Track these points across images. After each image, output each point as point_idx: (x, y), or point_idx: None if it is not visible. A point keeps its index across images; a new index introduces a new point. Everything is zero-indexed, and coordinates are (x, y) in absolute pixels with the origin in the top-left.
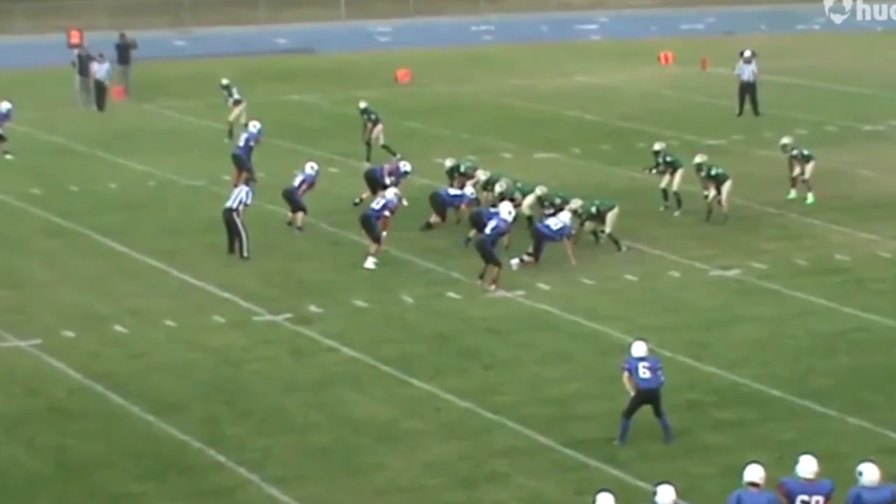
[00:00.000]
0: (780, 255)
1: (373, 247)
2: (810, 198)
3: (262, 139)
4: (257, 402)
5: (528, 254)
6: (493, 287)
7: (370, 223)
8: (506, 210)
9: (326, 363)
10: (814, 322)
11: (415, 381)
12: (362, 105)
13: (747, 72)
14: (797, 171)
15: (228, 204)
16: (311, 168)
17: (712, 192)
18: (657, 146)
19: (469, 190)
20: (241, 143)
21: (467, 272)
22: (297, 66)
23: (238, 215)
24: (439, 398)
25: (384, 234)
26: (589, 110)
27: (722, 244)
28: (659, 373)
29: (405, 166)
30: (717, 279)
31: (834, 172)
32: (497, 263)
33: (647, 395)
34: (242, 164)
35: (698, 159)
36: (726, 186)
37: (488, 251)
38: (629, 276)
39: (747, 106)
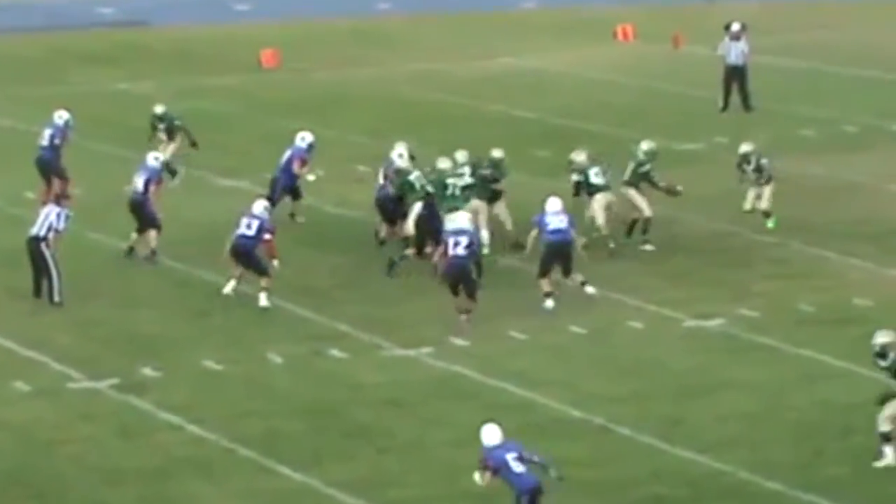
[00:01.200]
0: (779, 298)
1: (263, 280)
2: (770, 223)
3: (71, 136)
4: (73, 498)
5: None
6: (465, 318)
7: (248, 256)
8: (465, 220)
9: (166, 445)
10: (824, 389)
11: (285, 470)
12: (158, 110)
13: (735, 52)
14: (752, 196)
15: (34, 231)
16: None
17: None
18: (575, 156)
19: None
20: (45, 142)
21: (358, 322)
22: (124, 45)
23: (48, 246)
24: (319, 493)
25: (274, 262)
26: (519, 104)
27: (700, 284)
28: (529, 469)
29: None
30: (694, 331)
31: (852, 187)
32: (474, 295)
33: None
34: (51, 170)
35: (745, 148)
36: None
37: (467, 278)
38: (575, 328)
39: (735, 97)
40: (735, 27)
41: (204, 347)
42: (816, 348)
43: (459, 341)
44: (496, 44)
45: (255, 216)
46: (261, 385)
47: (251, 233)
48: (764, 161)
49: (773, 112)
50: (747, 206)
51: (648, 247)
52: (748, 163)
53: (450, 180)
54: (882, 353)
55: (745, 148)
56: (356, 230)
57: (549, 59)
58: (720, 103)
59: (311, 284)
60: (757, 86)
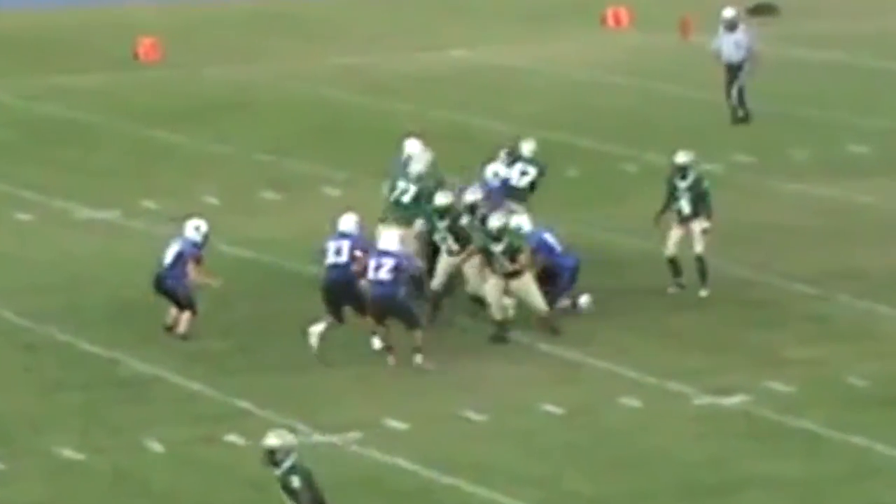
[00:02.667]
0: (820, 367)
1: (183, 316)
2: (703, 292)
3: None
4: None
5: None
6: (419, 358)
7: (348, 288)
8: (393, 240)
9: None
10: (877, 488)
11: None
12: None
13: (728, 46)
14: (676, 236)
15: None
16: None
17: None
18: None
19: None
20: None
21: (262, 397)
22: None
23: None
24: None
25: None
26: (478, 111)
27: (716, 348)
28: None
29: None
30: (708, 411)
31: None
32: (416, 323)
33: None
34: None
35: (682, 159)
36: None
37: (397, 307)
38: (549, 407)
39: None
40: (728, 13)
41: (60, 430)
42: (868, 434)
43: (396, 423)
44: (446, 32)
45: (344, 235)
46: (134, 480)
47: (342, 259)
48: (705, 184)
49: (811, 121)
50: (669, 250)
51: (703, 293)
52: (683, 177)
53: (401, 183)
54: None
55: (682, 158)
56: (258, 275)
57: (517, 52)
58: (739, 113)
59: (199, 348)
60: (788, 87)
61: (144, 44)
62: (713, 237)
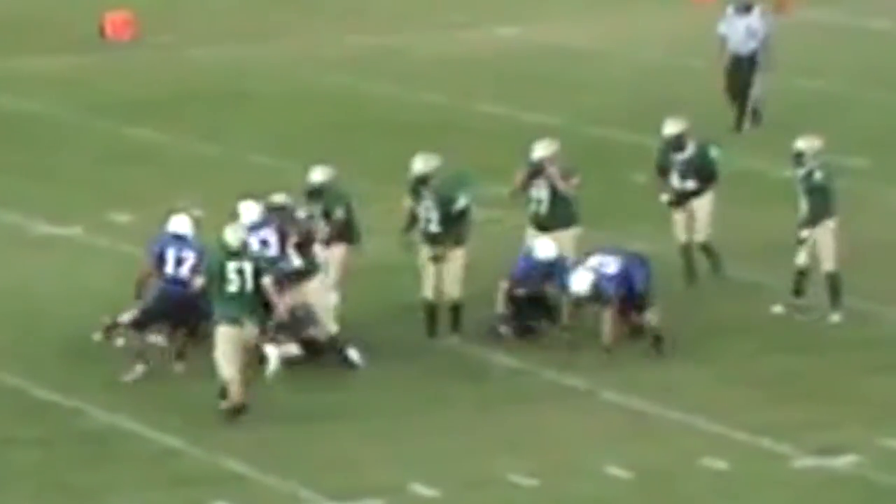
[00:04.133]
0: None
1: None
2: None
3: None
4: None
5: None
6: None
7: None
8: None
9: None
10: None
11: None
12: None
13: (738, 32)
14: (681, 221)
15: None
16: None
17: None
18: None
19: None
20: None
21: (256, 457)
22: None
23: None
24: None
25: None
26: (526, 102)
27: (819, 398)
28: None
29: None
30: (812, 475)
31: None
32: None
33: None
34: None
35: (671, 129)
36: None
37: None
38: (616, 470)
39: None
40: None
41: (9, 494)
42: None
43: (425, 489)
44: (486, 6)
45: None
46: None
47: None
48: (714, 151)
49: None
50: (681, 236)
51: (836, 318)
52: (680, 148)
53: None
54: None
55: (671, 129)
56: None
57: (577, 31)
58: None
59: (176, 393)
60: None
61: (113, 20)
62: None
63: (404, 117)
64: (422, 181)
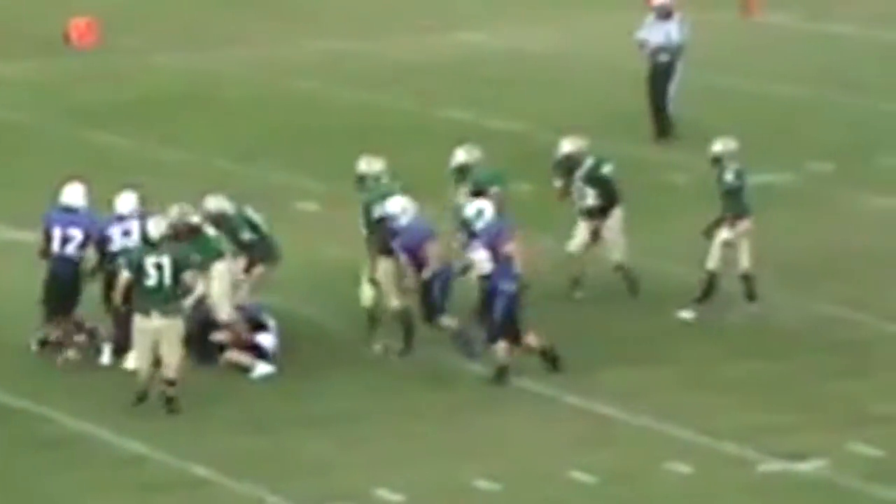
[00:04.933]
0: None
1: None
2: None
3: None
4: None
5: None
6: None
7: None
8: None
9: None
10: None
11: None
12: None
13: (658, 36)
14: (584, 232)
15: None
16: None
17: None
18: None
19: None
20: None
21: (224, 459)
22: None
23: None
24: None
25: None
26: (490, 106)
27: (788, 402)
28: None
29: None
30: (777, 479)
31: None
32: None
33: None
34: None
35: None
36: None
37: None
38: (577, 474)
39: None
40: None
41: None
42: None
43: (389, 494)
44: (451, 10)
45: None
46: None
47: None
48: (606, 167)
49: None
50: (573, 247)
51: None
52: (577, 165)
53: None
54: None
55: (564, 147)
56: None
57: (543, 35)
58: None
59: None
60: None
61: (77, 25)
62: (798, 267)
63: (368, 121)
64: (462, 170)
